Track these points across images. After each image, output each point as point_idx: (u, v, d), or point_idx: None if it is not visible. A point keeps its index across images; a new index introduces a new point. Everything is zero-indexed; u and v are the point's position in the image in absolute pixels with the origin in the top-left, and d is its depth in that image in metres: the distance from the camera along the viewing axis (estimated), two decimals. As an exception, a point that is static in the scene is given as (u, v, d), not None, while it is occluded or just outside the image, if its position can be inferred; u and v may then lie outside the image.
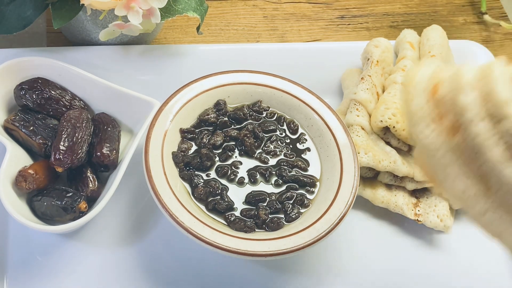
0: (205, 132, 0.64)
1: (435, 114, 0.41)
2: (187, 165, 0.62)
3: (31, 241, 0.60)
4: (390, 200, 0.65)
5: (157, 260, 0.61)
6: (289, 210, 0.60)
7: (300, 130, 0.66)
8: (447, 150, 0.40)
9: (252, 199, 0.60)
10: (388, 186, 0.66)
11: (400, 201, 0.65)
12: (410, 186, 0.66)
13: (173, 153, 0.62)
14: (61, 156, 0.58)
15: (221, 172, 0.62)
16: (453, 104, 0.40)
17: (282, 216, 0.60)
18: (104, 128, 0.63)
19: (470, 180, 0.40)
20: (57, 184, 0.61)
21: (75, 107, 0.65)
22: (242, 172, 0.62)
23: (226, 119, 0.66)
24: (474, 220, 0.41)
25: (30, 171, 0.59)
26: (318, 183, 0.63)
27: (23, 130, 0.62)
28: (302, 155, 0.64)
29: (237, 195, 0.61)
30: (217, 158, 0.63)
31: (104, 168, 0.62)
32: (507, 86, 0.39)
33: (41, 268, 0.59)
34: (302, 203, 0.61)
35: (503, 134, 0.38)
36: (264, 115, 0.67)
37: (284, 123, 0.67)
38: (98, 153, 0.61)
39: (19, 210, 0.56)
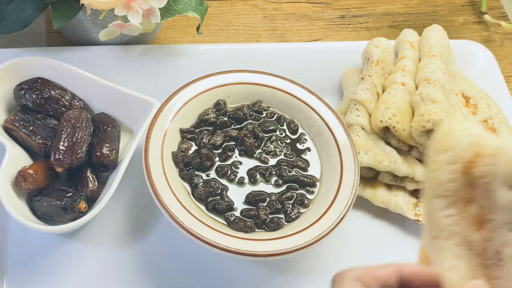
0: (205, 132, 0.64)
1: (462, 196, 0.31)
2: (187, 165, 0.62)
3: (30, 241, 0.60)
4: (390, 200, 0.65)
5: (157, 260, 0.61)
6: (289, 210, 0.60)
7: (300, 130, 0.66)
8: (463, 242, 0.31)
9: (252, 199, 0.60)
10: (388, 186, 0.66)
11: (400, 201, 0.65)
12: (410, 186, 0.66)
13: (173, 153, 0.62)
14: (60, 156, 0.58)
15: (221, 172, 0.62)
16: (489, 194, 0.30)
17: (282, 216, 0.60)
18: (104, 128, 0.63)
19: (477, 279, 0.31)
20: (57, 184, 0.61)
21: (75, 107, 0.64)
22: (242, 172, 0.62)
23: (226, 119, 0.65)
24: None
25: (29, 171, 0.58)
26: (318, 183, 0.62)
27: (22, 130, 0.61)
28: (302, 155, 0.64)
29: (237, 195, 0.61)
30: (217, 158, 0.63)
31: (104, 168, 0.62)
32: None
33: (40, 268, 0.59)
34: (302, 203, 0.61)
35: None
36: (264, 115, 0.67)
37: (284, 123, 0.67)
38: (98, 153, 0.61)
39: (18, 210, 0.56)
